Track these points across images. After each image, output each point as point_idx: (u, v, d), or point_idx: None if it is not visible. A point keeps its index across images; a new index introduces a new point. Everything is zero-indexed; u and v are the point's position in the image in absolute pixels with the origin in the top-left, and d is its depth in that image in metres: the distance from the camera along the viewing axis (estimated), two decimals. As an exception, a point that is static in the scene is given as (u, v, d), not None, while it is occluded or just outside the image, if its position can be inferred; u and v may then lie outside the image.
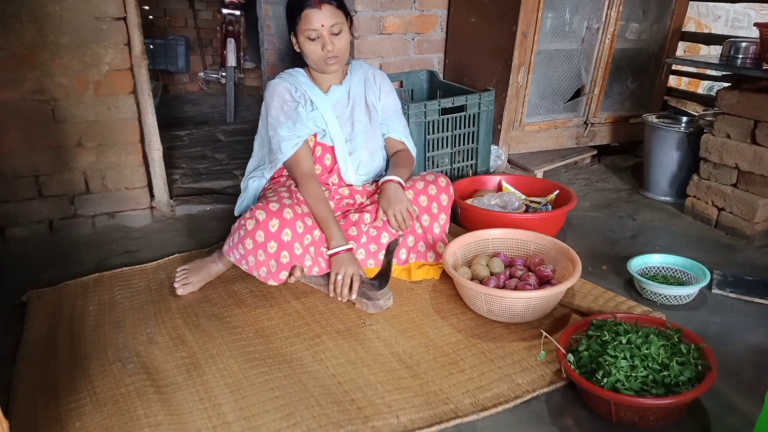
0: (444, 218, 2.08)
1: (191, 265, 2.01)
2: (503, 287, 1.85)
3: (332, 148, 2.07)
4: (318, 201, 1.93)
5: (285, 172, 2.11)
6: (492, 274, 1.92)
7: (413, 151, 2.20)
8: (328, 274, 1.90)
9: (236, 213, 2.17)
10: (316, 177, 2.01)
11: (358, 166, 2.11)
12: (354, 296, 1.84)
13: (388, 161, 2.19)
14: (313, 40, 1.91)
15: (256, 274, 1.87)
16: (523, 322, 1.76)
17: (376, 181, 2.15)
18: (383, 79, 2.17)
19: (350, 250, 1.89)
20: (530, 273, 1.90)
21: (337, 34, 1.91)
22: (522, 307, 1.71)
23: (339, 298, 1.86)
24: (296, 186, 2.00)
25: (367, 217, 2.01)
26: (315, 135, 2.04)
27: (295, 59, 2.05)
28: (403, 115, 2.22)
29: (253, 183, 2.13)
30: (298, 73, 2.08)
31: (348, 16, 1.96)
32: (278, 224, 1.79)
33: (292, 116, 1.99)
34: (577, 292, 1.88)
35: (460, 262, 2.00)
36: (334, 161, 2.08)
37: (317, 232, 1.90)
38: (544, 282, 1.87)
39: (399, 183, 1.99)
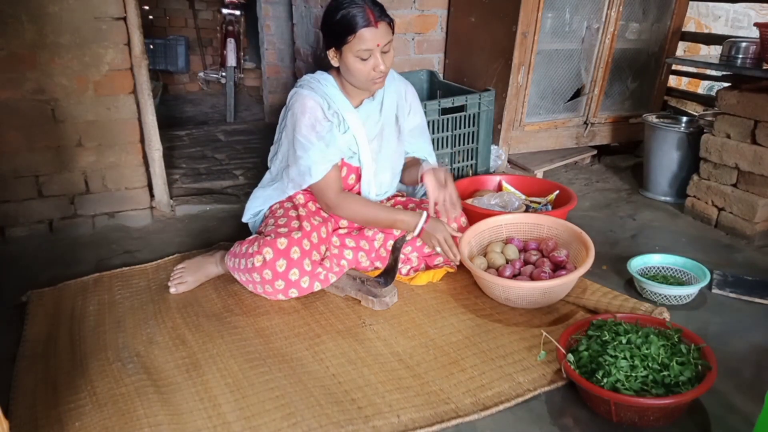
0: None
1: (189, 263, 2.00)
2: (518, 274, 1.91)
3: (358, 169, 1.99)
4: (367, 210, 1.91)
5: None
6: (507, 261, 1.96)
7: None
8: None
9: (244, 219, 2.11)
10: (347, 191, 1.96)
11: (380, 186, 2.05)
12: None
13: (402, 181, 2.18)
14: (365, 60, 1.77)
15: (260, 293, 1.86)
16: (540, 307, 1.84)
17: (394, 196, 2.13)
18: (414, 98, 2.09)
19: (429, 218, 1.90)
20: (544, 258, 1.93)
21: (386, 52, 1.80)
22: (539, 295, 1.79)
23: (456, 261, 1.91)
24: (327, 210, 1.94)
25: (380, 236, 1.98)
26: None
27: (324, 64, 1.91)
28: (426, 128, 2.18)
29: (268, 195, 2.04)
30: (328, 82, 1.90)
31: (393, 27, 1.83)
32: (286, 265, 1.75)
33: (325, 138, 1.85)
34: (585, 289, 1.89)
35: (476, 251, 2.03)
36: (357, 181, 2.01)
37: (327, 263, 1.86)
38: (558, 267, 1.90)
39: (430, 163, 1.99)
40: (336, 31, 1.77)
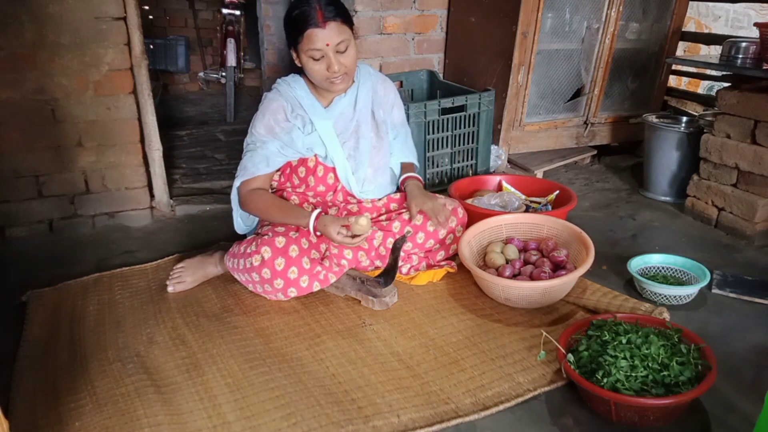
0: (451, 238, 2.05)
1: (188, 262, 2.00)
2: (518, 274, 1.91)
3: (334, 169, 1.99)
4: (265, 206, 1.86)
5: (288, 187, 2.02)
6: (507, 261, 1.96)
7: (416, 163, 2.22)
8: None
9: (240, 231, 2.07)
10: (264, 191, 1.93)
11: (362, 183, 2.04)
12: (358, 240, 1.78)
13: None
14: (318, 60, 1.78)
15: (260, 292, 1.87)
16: (540, 307, 1.83)
17: (387, 195, 2.12)
18: (392, 90, 2.08)
19: (319, 215, 1.79)
20: (544, 258, 1.94)
21: (343, 52, 1.79)
22: (539, 295, 1.78)
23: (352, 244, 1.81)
24: (242, 206, 1.93)
25: (379, 234, 1.97)
26: (316, 155, 1.96)
27: (294, 67, 1.94)
28: (406, 123, 2.20)
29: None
30: (297, 84, 1.93)
31: (352, 26, 1.83)
32: (284, 263, 1.76)
33: (283, 138, 1.89)
34: (585, 289, 1.89)
35: (476, 251, 2.04)
36: (337, 180, 2.01)
37: (327, 262, 1.86)
38: (558, 267, 1.90)
39: (420, 181, 2.01)
40: (289, 31, 1.81)
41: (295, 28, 1.77)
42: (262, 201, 1.89)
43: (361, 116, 1.99)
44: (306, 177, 1.99)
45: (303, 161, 1.97)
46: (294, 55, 1.85)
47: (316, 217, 1.80)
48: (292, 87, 1.92)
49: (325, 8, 1.74)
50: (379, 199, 2.10)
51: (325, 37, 1.74)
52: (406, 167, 2.15)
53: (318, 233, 1.82)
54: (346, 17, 1.79)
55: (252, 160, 1.89)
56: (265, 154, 1.88)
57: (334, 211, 2.03)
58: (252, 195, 1.89)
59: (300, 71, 1.93)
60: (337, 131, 1.96)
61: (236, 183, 1.95)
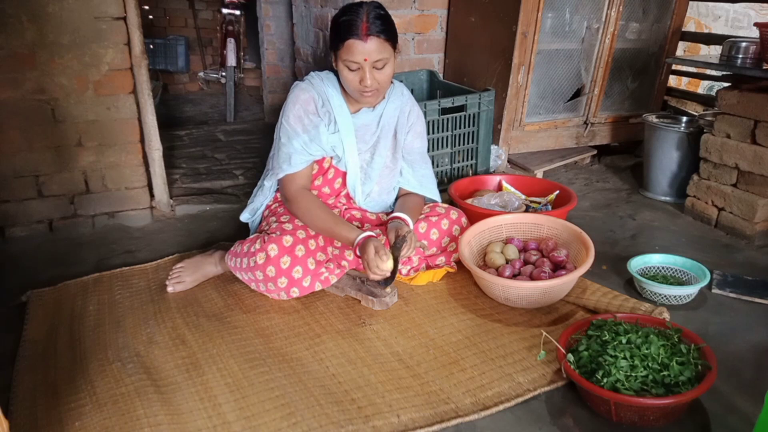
0: (453, 247, 2.03)
1: (188, 262, 2.01)
2: (518, 274, 1.91)
3: (345, 174, 1.97)
4: (318, 210, 1.83)
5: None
6: (507, 261, 1.96)
7: (436, 197, 2.11)
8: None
9: (242, 219, 2.10)
10: (310, 192, 1.92)
11: (365, 197, 2.03)
12: (386, 266, 1.71)
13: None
14: (353, 70, 1.75)
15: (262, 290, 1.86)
16: (540, 307, 1.83)
17: (388, 212, 2.08)
18: (418, 119, 2.04)
19: (366, 238, 1.75)
20: (544, 258, 1.94)
21: (380, 69, 1.75)
22: (539, 295, 1.78)
23: (373, 277, 1.76)
24: (285, 203, 1.90)
25: (381, 238, 1.93)
26: (331, 157, 1.95)
27: (323, 64, 1.92)
28: (426, 155, 2.12)
29: (260, 197, 2.05)
30: (330, 82, 1.90)
31: (396, 44, 1.78)
32: (290, 262, 1.75)
33: (311, 132, 1.85)
34: (585, 289, 1.89)
35: (476, 251, 2.04)
36: (344, 186, 2.00)
37: (331, 264, 1.86)
38: (558, 267, 1.90)
39: (407, 222, 1.88)
40: (332, 34, 1.78)
41: (338, 34, 1.73)
42: (310, 204, 1.85)
43: (383, 134, 1.97)
44: (315, 176, 1.98)
45: (318, 160, 1.95)
46: (332, 57, 1.82)
47: (365, 237, 1.76)
48: (325, 83, 1.89)
49: (371, 22, 1.70)
50: (386, 214, 2.08)
51: (364, 50, 1.70)
52: (408, 202, 2.03)
53: (357, 251, 1.79)
54: (390, 35, 1.75)
55: (278, 159, 1.89)
56: (287, 152, 1.86)
57: (336, 213, 2.03)
58: (300, 195, 1.86)
59: (335, 71, 1.91)
60: (358, 139, 1.94)
61: (267, 183, 1.99)
